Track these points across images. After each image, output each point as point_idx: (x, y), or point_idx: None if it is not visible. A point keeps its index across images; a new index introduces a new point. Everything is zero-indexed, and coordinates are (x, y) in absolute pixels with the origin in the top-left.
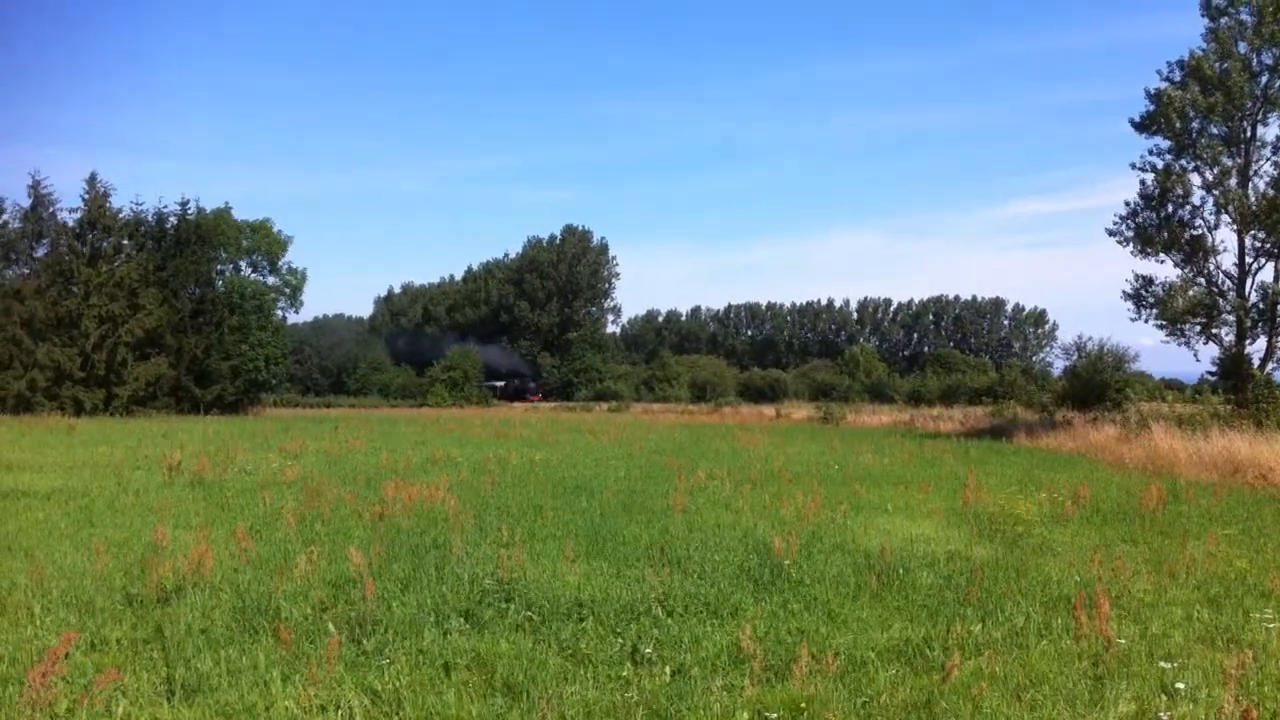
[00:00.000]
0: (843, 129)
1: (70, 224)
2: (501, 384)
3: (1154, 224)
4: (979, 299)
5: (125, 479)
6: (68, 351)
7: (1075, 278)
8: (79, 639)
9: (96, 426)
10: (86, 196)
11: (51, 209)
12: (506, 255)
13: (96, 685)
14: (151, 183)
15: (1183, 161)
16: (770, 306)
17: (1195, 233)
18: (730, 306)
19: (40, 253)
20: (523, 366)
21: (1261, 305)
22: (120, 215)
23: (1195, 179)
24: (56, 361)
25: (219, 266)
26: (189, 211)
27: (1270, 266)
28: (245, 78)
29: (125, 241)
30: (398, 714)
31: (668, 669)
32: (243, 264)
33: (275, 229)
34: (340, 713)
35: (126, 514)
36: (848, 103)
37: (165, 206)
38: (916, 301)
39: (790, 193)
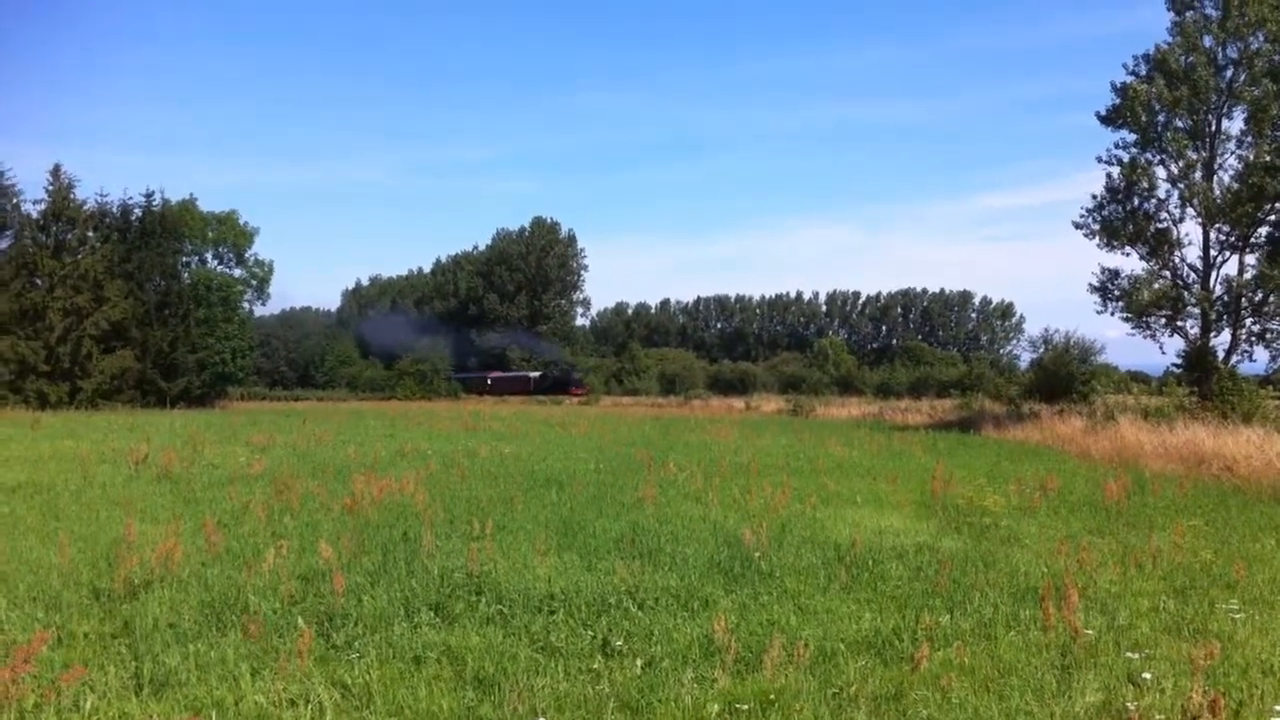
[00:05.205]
0: (813, 122)
1: (34, 216)
2: (537, 375)
3: (1120, 217)
4: (947, 292)
5: (91, 473)
6: (32, 344)
7: (1042, 271)
8: (48, 636)
9: (61, 420)
10: (50, 188)
11: (15, 200)
12: (475, 247)
13: (64, 680)
14: (116, 175)
15: (1148, 155)
16: (739, 299)
17: (1160, 226)
18: (699, 299)
19: (3, 245)
20: (559, 356)
21: (1226, 298)
22: (85, 207)
23: (1160, 172)
24: (21, 354)
25: (184, 258)
26: (154, 203)
27: (1234, 260)
28: (212, 68)
29: (90, 234)
30: (368, 707)
31: (639, 661)
32: (208, 256)
33: (241, 220)
34: (310, 707)
35: (93, 508)
36: (818, 95)
37: (130, 198)
38: (885, 294)
39: (759, 186)
